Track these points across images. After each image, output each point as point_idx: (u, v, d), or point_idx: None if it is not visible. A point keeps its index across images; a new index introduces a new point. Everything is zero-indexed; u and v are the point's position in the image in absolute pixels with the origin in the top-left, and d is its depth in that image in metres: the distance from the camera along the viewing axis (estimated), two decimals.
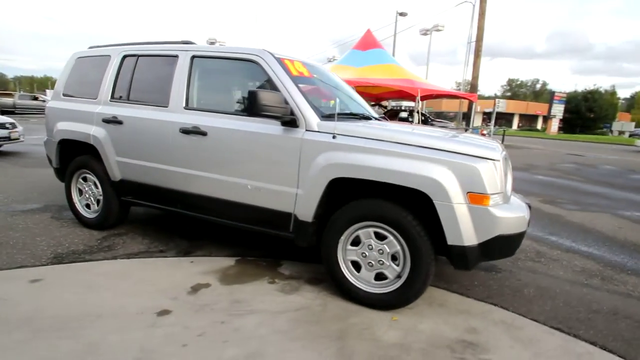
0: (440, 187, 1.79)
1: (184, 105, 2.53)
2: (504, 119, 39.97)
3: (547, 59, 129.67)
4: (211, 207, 2.50)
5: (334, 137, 2.05)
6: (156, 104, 2.66)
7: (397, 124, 2.81)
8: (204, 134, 2.39)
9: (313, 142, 2.08)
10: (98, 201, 3.10)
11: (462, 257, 1.84)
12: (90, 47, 3.34)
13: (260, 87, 2.39)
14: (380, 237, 2.02)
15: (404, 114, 19.56)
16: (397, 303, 2.04)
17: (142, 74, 2.84)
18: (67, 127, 3.06)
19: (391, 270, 2.02)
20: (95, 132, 2.87)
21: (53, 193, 4.31)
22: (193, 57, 2.57)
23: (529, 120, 46.76)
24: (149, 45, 2.89)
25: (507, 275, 2.67)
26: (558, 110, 28.62)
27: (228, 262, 2.65)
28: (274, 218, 2.29)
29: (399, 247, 1.97)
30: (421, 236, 1.88)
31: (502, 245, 1.88)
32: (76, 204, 3.20)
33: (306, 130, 2.13)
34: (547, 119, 32.27)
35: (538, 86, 76.86)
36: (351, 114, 2.49)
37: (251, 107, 2.02)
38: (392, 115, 19.40)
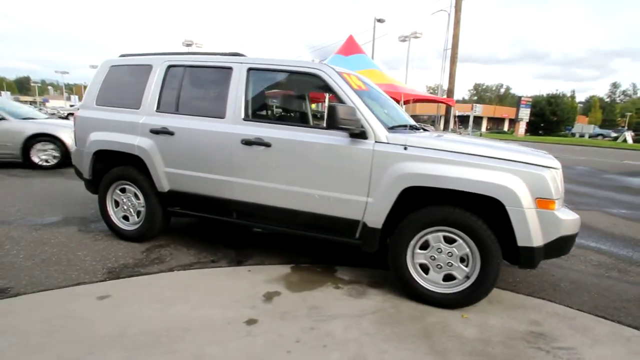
0: (512, 194, 1.98)
1: (242, 116, 2.57)
2: (474, 122, 41.99)
3: (509, 65, 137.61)
4: (272, 216, 2.56)
5: (405, 148, 2.19)
6: (211, 115, 2.68)
7: (452, 135, 2.94)
8: (267, 145, 2.45)
9: (385, 153, 2.21)
10: (138, 213, 3.05)
11: (529, 257, 2.04)
12: (123, 55, 3.27)
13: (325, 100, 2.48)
14: (448, 240, 2.18)
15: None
16: (466, 302, 2.20)
17: (191, 85, 2.84)
18: (105, 138, 2.98)
19: (460, 271, 2.19)
20: (140, 143, 2.83)
21: (66, 204, 4.15)
22: (249, 69, 2.62)
23: (496, 123, 49.44)
24: (195, 56, 2.90)
25: (541, 271, 2.92)
26: (525, 113, 30.60)
27: (284, 269, 2.71)
28: (340, 225, 2.39)
29: (467, 250, 2.14)
30: (492, 239, 2.06)
31: (563, 245, 2.10)
32: (112, 216, 3.12)
33: (376, 141, 2.25)
34: (513, 121, 34.32)
35: (502, 90, 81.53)
36: (405, 125, 2.64)
37: (331, 120, 2.12)
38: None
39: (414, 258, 2.26)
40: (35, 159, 6.17)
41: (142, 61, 3.04)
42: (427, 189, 2.16)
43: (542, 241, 2.02)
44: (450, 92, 18.63)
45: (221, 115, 2.63)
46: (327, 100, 4.13)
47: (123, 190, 3.07)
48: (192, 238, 3.26)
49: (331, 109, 2.12)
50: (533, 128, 34.63)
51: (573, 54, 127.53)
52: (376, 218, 2.26)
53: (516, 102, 34.13)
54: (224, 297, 2.27)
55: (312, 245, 3.22)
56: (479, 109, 24.64)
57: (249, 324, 1.98)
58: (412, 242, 2.23)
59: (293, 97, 2.76)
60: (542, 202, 1.99)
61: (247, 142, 2.50)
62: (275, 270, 2.69)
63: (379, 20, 27.05)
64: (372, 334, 1.94)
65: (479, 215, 2.10)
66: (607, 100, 61.61)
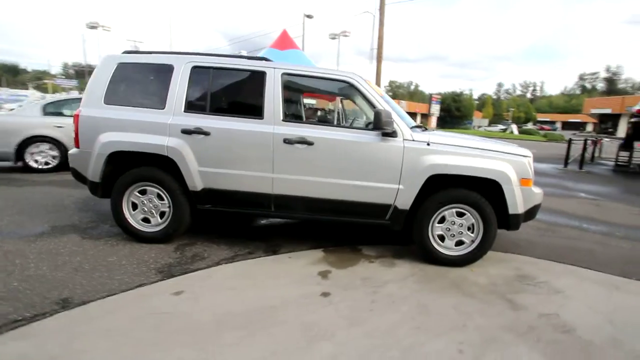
0: (506, 177, 2.71)
1: (281, 118, 2.82)
2: None
3: (417, 64, 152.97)
4: (312, 206, 2.89)
5: (428, 144, 2.76)
6: (248, 116, 2.85)
7: (459, 134, 3.49)
8: (310, 143, 2.76)
9: (413, 149, 2.74)
10: (162, 214, 3.03)
11: (516, 222, 2.81)
12: (127, 52, 3.15)
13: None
14: (459, 214, 2.84)
15: (321, 113, 20.84)
16: (472, 260, 2.89)
17: (220, 86, 2.95)
18: (125, 139, 2.88)
19: (467, 237, 2.86)
20: (171, 143, 2.84)
21: (38, 213, 3.74)
22: (284, 74, 2.87)
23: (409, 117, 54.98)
24: (221, 58, 2.99)
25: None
26: (436, 109, 34.96)
27: (317, 253, 3.07)
28: (374, 210, 2.86)
29: (473, 221, 2.83)
30: (491, 211, 2.78)
31: (534, 211, 2.93)
32: (128, 219, 3.03)
33: (404, 139, 2.77)
34: (425, 116, 38.90)
35: (412, 87, 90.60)
36: (418, 125, 3.20)
37: (377, 122, 2.56)
38: (309, 114, 20.48)
39: (434, 230, 2.86)
40: None
41: (159, 60, 3.00)
42: (443, 175, 2.77)
43: (523, 209, 2.81)
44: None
45: (259, 116, 2.83)
46: (338, 101, 4.40)
47: (143, 192, 3.01)
48: (210, 236, 3.33)
49: (378, 114, 2.57)
50: (442, 122, 40.03)
51: (467, 56, 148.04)
52: (405, 201, 2.80)
53: (427, 98, 38.70)
54: (285, 279, 2.55)
55: (327, 230, 3.62)
56: (404, 105, 27.28)
57: (324, 296, 2.33)
58: (433, 218, 2.83)
59: (325, 100, 3.08)
60: (524, 181, 2.78)
61: (289, 141, 2.77)
62: (311, 254, 3.03)
63: (308, 16, 27.66)
64: (419, 290, 2.48)
65: (481, 193, 2.79)
66: (495, 97, 74.13)
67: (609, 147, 12.04)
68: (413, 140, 2.77)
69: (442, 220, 2.86)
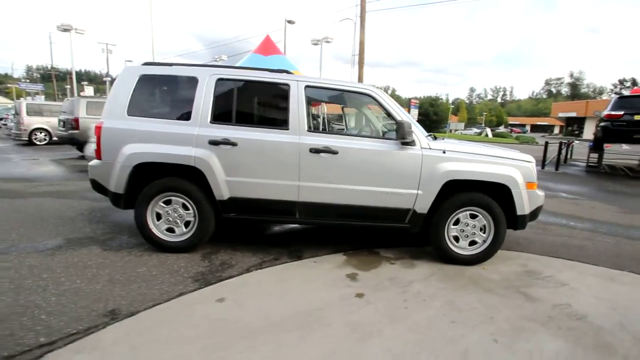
0: (514, 181, 2.97)
1: (306, 128, 2.95)
2: None
3: (393, 69, 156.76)
4: (337, 212, 3.03)
5: (444, 152, 2.97)
6: (274, 127, 2.97)
7: (465, 142, 3.68)
8: (335, 152, 2.91)
9: (431, 157, 2.95)
10: (187, 223, 3.07)
11: (523, 222, 3.07)
12: (147, 64, 3.18)
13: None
14: (472, 216, 3.06)
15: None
16: (484, 259, 3.12)
17: (245, 98, 3.05)
18: (152, 150, 2.92)
19: (480, 237, 3.09)
20: (198, 154, 2.90)
21: (48, 224, 3.68)
22: (306, 86, 3.01)
23: None
24: (245, 71, 3.09)
25: (541, 239, 4.04)
26: (414, 113, 36.04)
27: (339, 257, 3.21)
28: (395, 214, 3.03)
29: (485, 222, 3.06)
30: (501, 213, 3.02)
31: (538, 212, 3.21)
32: (153, 230, 3.05)
33: (422, 147, 2.97)
34: None
35: (389, 92, 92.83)
36: (430, 134, 3.41)
37: (401, 132, 2.76)
38: None
39: (449, 232, 3.07)
40: None
41: (183, 72, 3.06)
42: (457, 180, 2.99)
43: (529, 210, 3.08)
44: None
45: (285, 127, 2.95)
46: (322, 107, 4.58)
47: (167, 202, 3.04)
48: (231, 243, 3.39)
49: (401, 124, 2.76)
50: (422, 126, 41.12)
51: (441, 62, 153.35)
52: (424, 205, 2.99)
53: (405, 103, 39.86)
54: (317, 283, 2.67)
55: (342, 234, 3.76)
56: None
57: (360, 297, 2.47)
58: (449, 220, 3.04)
59: (346, 112, 3.24)
60: (529, 184, 3.05)
61: (316, 151, 2.90)
62: (333, 258, 3.17)
63: (289, 22, 27.87)
64: (443, 287, 2.67)
65: (491, 196, 3.04)
66: (467, 102, 77.53)
67: (579, 149, 12.96)
68: (430, 148, 2.98)
69: (457, 222, 3.08)
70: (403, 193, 2.98)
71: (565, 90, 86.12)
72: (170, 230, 3.09)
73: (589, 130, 34.26)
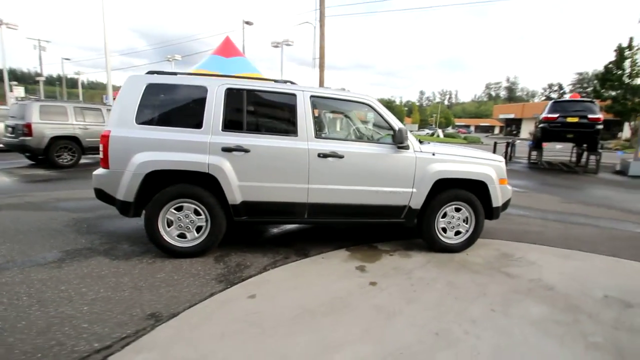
0: (490, 178, 3.48)
1: (314, 135, 3.19)
2: None
3: (347, 71, 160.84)
4: (341, 211, 3.31)
5: (433, 154, 3.39)
6: (284, 133, 3.17)
7: (446, 144, 4.15)
8: (341, 156, 3.19)
9: (423, 158, 3.35)
10: (199, 228, 3.16)
11: (497, 212, 3.60)
12: (151, 73, 3.22)
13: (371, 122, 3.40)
14: (457, 210, 3.53)
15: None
16: (467, 246, 3.59)
17: (254, 107, 3.21)
18: (165, 158, 2.97)
19: (463, 227, 3.57)
20: (212, 161, 3.01)
21: (35, 238, 3.54)
22: (311, 96, 3.26)
23: None
24: (252, 81, 3.26)
25: (506, 227, 4.60)
26: (371, 116, 37.76)
27: (343, 252, 3.49)
28: (393, 210, 3.39)
29: (467, 214, 3.54)
30: (481, 206, 3.52)
31: (507, 203, 3.76)
32: (164, 236, 3.10)
33: (415, 150, 3.36)
34: (363, 122, 41.53)
35: None
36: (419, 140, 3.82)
37: (400, 138, 3.11)
38: None
39: (438, 224, 3.51)
40: None
41: (192, 81, 3.15)
42: (445, 179, 3.43)
43: (502, 202, 3.62)
44: None
45: (294, 134, 3.17)
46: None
47: (178, 209, 3.10)
48: (238, 246, 3.52)
49: (400, 131, 3.13)
50: None
51: (392, 66, 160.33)
52: (418, 202, 3.39)
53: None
54: (333, 276, 2.93)
55: (340, 232, 4.05)
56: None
57: (373, 285, 2.78)
58: (438, 214, 3.47)
59: (346, 119, 3.51)
60: (502, 180, 3.58)
61: (324, 155, 3.16)
62: (338, 254, 3.44)
63: (247, 23, 27.62)
64: (440, 272, 3.08)
65: (471, 192, 3.52)
66: (418, 104, 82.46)
67: (520, 147, 14.58)
68: (422, 151, 3.39)
69: (444, 215, 3.52)
70: (400, 191, 3.35)
71: (503, 93, 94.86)
72: (181, 236, 3.15)
73: (526, 130, 38.30)
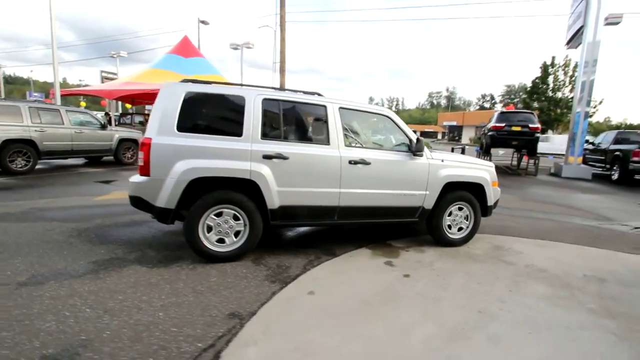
0: (486, 181, 4.08)
1: (344, 144, 3.49)
2: None
3: (299, 75, 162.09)
4: (366, 212, 3.64)
5: (442, 161, 3.89)
6: (318, 142, 3.42)
7: (452, 153, 4.69)
8: (368, 163, 3.53)
9: (434, 164, 3.82)
10: (237, 233, 3.26)
11: (490, 210, 4.21)
12: (186, 81, 3.27)
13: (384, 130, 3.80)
14: (459, 208, 4.06)
15: None
16: (468, 240, 4.15)
17: (290, 117, 3.42)
18: (209, 165, 3.05)
19: (464, 224, 4.12)
20: (254, 167, 3.15)
21: (47, 250, 3.42)
22: (340, 108, 3.55)
23: None
24: (285, 93, 3.46)
25: (486, 223, 5.28)
26: None
27: (366, 250, 3.83)
28: (409, 211, 3.81)
29: (468, 212, 4.10)
30: (478, 205, 4.10)
31: (497, 203, 4.40)
32: (204, 242, 3.16)
33: (427, 157, 3.82)
34: None
35: None
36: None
37: (419, 147, 3.56)
38: None
39: (445, 222, 4.01)
40: None
41: (231, 91, 3.26)
42: (452, 182, 3.94)
43: (494, 202, 4.24)
44: None
45: (326, 143, 3.44)
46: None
47: (218, 215, 3.19)
48: (266, 251, 3.67)
49: (418, 140, 3.59)
50: None
51: (342, 72, 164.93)
52: (430, 203, 3.85)
53: None
54: (368, 271, 3.25)
55: (353, 233, 4.38)
56: None
57: (407, 277, 3.15)
58: (445, 213, 3.98)
59: (372, 129, 3.87)
60: (494, 182, 4.21)
61: (354, 162, 3.47)
62: (362, 252, 3.77)
63: (203, 22, 26.79)
64: (455, 263, 3.55)
65: (471, 192, 4.09)
66: None
67: (468, 152, 16.21)
68: (433, 158, 3.86)
69: (450, 214, 4.04)
70: (416, 194, 3.79)
71: (443, 102, 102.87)
72: (220, 241, 3.23)
73: (467, 137, 42.21)
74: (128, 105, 24.70)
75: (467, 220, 4.13)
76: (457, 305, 2.65)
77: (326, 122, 3.48)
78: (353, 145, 3.60)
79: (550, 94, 27.28)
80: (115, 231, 4.06)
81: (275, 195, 3.28)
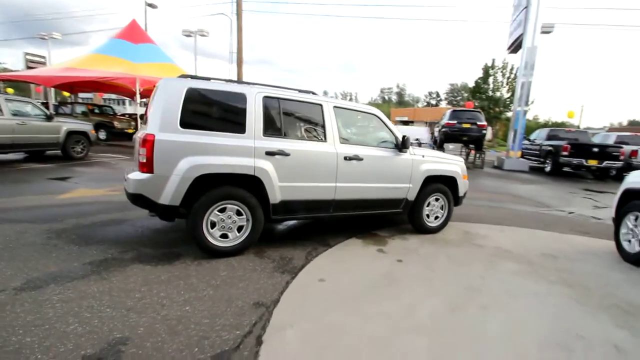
0: (459, 174, 4.58)
1: (339, 140, 3.70)
2: None
3: (250, 66, 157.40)
4: (358, 205, 3.91)
5: (423, 156, 4.28)
6: (316, 139, 3.59)
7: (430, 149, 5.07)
8: (361, 159, 3.79)
9: (416, 160, 4.21)
10: (239, 228, 3.34)
11: (461, 200, 4.74)
12: (184, 77, 3.24)
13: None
14: (436, 199, 4.52)
15: None
16: (442, 228, 4.64)
17: (289, 114, 3.54)
18: (213, 162, 3.07)
19: (440, 213, 4.59)
20: (258, 164, 3.24)
21: (29, 254, 3.23)
22: (334, 107, 3.75)
23: None
24: (284, 91, 3.57)
25: (462, 212, 5.83)
26: None
27: (356, 240, 4.11)
28: (395, 203, 4.17)
29: (443, 203, 4.57)
30: (451, 195, 4.59)
31: (466, 194, 4.95)
32: (208, 237, 3.20)
33: (410, 153, 4.19)
34: None
35: None
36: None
37: (405, 144, 3.89)
38: None
39: (424, 212, 4.44)
40: None
41: (231, 88, 3.29)
42: (431, 176, 4.37)
43: (464, 193, 4.77)
44: None
45: (323, 139, 3.63)
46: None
47: (222, 210, 3.23)
48: (264, 245, 3.79)
49: (404, 137, 3.93)
50: None
51: (295, 64, 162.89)
52: (413, 195, 4.24)
53: None
54: (366, 258, 3.54)
55: (339, 224, 4.64)
56: None
57: (400, 262, 3.49)
58: (424, 204, 4.40)
59: (363, 127, 4.09)
60: (464, 176, 4.73)
61: (348, 158, 3.71)
62: (354, 242, 4.05)
63: (150, 6, 25.04)
64: (436, 248, 3.99)
65: (445, 184, 4.57)
66: None
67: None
68: (415, 154, 4.25)
69: (428, 204, 4.48)
70: (401, 187, 4.15)
71: (394, 97, 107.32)
72: (223, 236, 3.28)
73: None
74: (66, 94, 22.34)
75: (442, 210, 4.60)
76: (448, 283, 3.05)
77: (323, 120, 3.67)
78: (347, 142, 3.83)
79: (491, 93, 30.07)
80: (97, 231, 3.86)
81: (277, 191, 3.40)
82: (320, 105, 3.69)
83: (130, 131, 16.15)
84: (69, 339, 1.94)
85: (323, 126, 3.66)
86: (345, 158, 3.71)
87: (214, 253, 3.24)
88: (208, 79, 3.37)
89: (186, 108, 3.09)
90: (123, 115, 18.71)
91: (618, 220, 4.06)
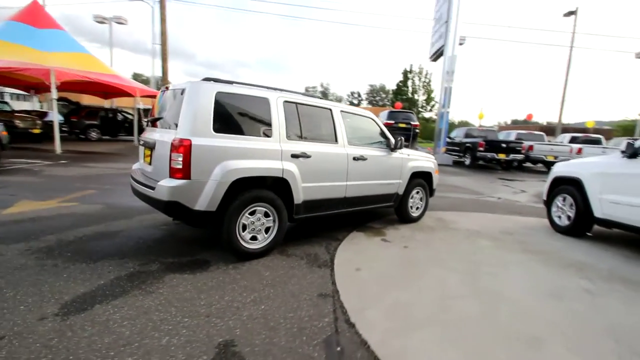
0: (433, 169, 5.31)
1: (347, 143, 4.02)
2: None
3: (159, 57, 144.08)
4: (362, 201, 4.31)
5: (408, 155, 4.88)
6: (329, 141, 3.85)
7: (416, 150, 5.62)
8: (365, 159, 4.18)
9: (405, 158, 4.78)
10: (267, 229, 3.43)
11: (434, 192, 5.50)
12: (208, 79, 3.20)
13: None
14: (417, 192, 5.18)
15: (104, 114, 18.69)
16: (421, 217, 5.33)
17: (305, 118, 3.72)
18: (251, 165, 3.13)
19: (420, 204, 5.27)
20: (285, 166, 3.37)
21: (38, 274, 2.86)
22: (341, 111, 4.07)
23: None
24: (298, 95, 3.73)
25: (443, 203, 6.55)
26: None
27: (358, 233, 4.50)
28: (389, 197, 4.68)
29: (422, 195, 5.26)
30: (428, 189, 5.31)
31: (437, 187, 5.73)
32: (240, 241, 3.23)
33: (400, 153, 4.74)
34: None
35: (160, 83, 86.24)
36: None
37: (398, 145, 4.42)
38: (91, 114, 17.30)
39: (409, 203, 5.06)
40: None
41: (256, 92, 3.36)
42: (415, 172, 4.99)
43: (436, 185, 5.54)
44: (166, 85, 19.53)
45: (334, 142, 3.91)
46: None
47: (252, 213, 3.28)
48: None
49: (397, 139, 4.45)
50: None
51: (213, 58, 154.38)
52: (402, 190, 4.82)
53: None
54: (379, 248, 3.95)
55: (338, 220, 4.97)
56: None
57: (406, 248, 3.99)
58: (409, 197, 5.02)
59: (364, 129, 4.42)
60: (436, 171, 5.49)
61: (356, 159, 4.07)
62: (356, 235, 4.43)
63: None
64: (426, 234, 4.62)
65: (423, 179, 5.26)
66: None
67: None
68: (402, 154, 4.81)
69: (411, 197, 5.11)
70: (394, 182, 4.67)
71: (319, 96, 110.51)
72: (253, 238, 3.33)
73: None
74: None
75: (422, 201, 5.29)
76: (455, 260, 3.65)
77: (333, 123, 3.95)
78: (353, 144, 4.18)
79: (410, 95, 33.51)
80: (92, 246, 3.50)
81: (300, 191, 3.58)
82: (330, 109, 3.97)
83: (36, 131, 13.79)
84: (173, 351, 1.91)
85: (334, 129, 3.95)
86: (354, 158, 4.06)
87: (245, 256, 3.28)
88: (230, 82, 3.37)
89: (219, 113, 3.07)
90: (24, 112, 15.64)
91: (549, 201, 5.25)
